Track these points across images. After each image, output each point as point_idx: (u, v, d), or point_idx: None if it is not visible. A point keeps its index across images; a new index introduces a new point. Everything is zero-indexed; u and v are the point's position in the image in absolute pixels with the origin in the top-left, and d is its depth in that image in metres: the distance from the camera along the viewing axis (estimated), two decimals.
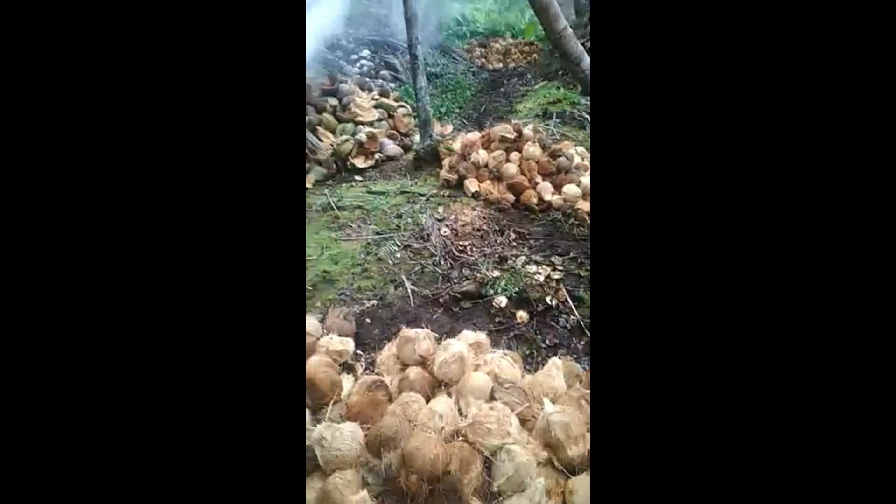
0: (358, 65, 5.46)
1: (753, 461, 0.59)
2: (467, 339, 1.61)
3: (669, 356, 0.63)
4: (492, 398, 1.35)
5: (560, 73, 4.97)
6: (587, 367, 1.58)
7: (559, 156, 2.93)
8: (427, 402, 1.37)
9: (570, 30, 3.36)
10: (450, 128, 3.94)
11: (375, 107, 4.07)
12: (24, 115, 0.60)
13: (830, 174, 0.60)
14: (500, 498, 1.13)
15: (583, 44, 3.59)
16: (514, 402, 1.33)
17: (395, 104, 4.17)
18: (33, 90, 0.60)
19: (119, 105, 0.62)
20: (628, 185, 0.66)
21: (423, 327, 1.75)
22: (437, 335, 1.68)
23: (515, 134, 3.00)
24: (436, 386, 1.46)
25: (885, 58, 0.59)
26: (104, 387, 0.61)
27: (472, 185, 2.88)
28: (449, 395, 1.39)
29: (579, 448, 1.19)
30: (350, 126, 3.78)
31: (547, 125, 3.79)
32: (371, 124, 3.85)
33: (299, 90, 0.72)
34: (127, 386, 0.61)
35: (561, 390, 1.41)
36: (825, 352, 0.59)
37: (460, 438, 1.21)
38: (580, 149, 3.24)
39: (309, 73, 4.42)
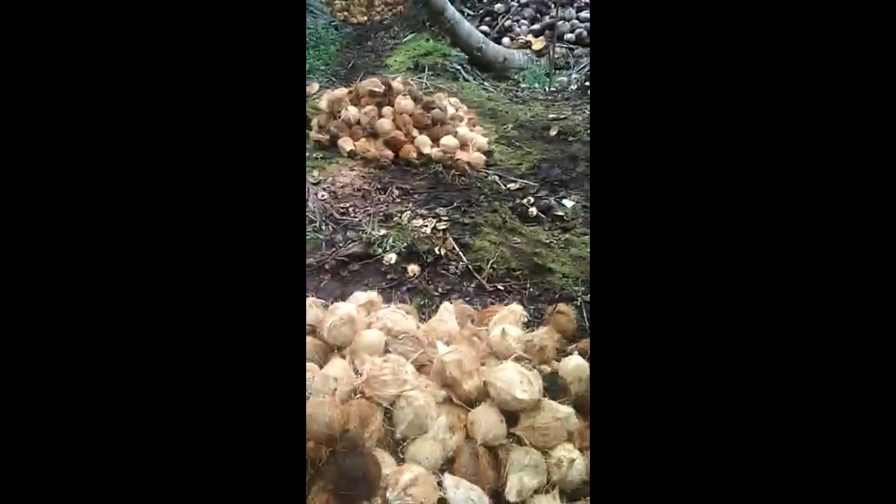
0: None
1: (748, 414, 0.61)
2: (358, 300, 1.62)
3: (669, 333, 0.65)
4: (386, 352, 1.38)
5: (427, 24, 4.98)
6: (479, 307, 1.69)
7: (433, 108, 2.98)
8: (321, 369, 1.35)
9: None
10: (316, 86, 3.75)
11: None
12: (20, 114, 0.63)
13: (830, 162, 0.62)
14: (405, 443, 1.18)
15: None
16: (409, 351, 1.38)
17: None
18: (29, 89, 0.63)
19: (119, 104, 0.66)
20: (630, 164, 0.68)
21: (310, 296, 1.72)
22: (325, 302, 1.65)
23: (384, 87, 2.97)
24: (329, 352, 1.45)
25: (886, 58, 0.59)
26: (103, 386, 0.63)
27: (346, 144, 2.81)
28: (343, 357, 1.40)
29: (474, 381, 1.29)
30: None
31: (419, 78, 3.81)
32: None
33: (299, 90, 0.78)
34: (125, 384, 0.64)
35: (454, 332, 1.49)
36: (825, 336, 0.60)
37: (358, 396, 1.23)
38: (454, 100, 3.33)
39: None
